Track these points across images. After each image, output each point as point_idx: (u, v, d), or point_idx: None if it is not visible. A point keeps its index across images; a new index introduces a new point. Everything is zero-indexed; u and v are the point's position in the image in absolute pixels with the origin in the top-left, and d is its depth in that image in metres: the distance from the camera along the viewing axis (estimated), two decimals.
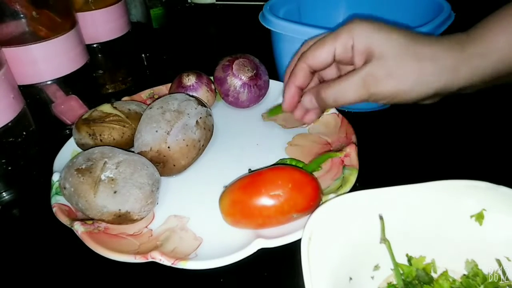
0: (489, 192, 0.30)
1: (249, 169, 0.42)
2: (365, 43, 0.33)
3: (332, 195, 0.36)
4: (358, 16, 0.35)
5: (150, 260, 0.32)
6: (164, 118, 0.41)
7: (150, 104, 0.45)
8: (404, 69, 0.32)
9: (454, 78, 0.32)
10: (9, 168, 0.42)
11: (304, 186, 0.34)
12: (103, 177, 0.35)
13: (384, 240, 0.30)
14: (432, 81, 0.32)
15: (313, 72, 0.38)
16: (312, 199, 0.34)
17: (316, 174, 0.41)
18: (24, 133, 0.43)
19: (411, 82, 0.32)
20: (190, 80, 0.50)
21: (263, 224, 0.34)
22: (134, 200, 0.35)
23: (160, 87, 0.56)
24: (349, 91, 0.34)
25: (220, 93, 0.52)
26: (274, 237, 0.33)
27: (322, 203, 0.32)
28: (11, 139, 0.42)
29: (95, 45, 0.57)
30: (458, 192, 0.31)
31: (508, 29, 0.31)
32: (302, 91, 0.40)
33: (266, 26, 0.51)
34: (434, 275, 0.30)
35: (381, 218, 0.30)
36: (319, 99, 0.37)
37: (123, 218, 0.36)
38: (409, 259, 0.31)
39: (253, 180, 0.35)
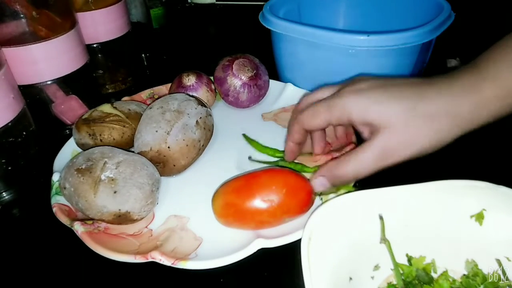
0: (489, 192, 0.30)
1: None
2: (363, 118, 0.31)
3: (332, 195, 0.36)
4: (357, 81, 0.33)
5: (150, 260, 0.32)
6: (164, 118, 0.41)
7: (150, 104, 0.45)
8: (418, 135, 0.30)
9: (473, 124, 0.30)
10: (9, 168, 0.42)
11: (298, 191, 0.34)
12: (103, 177, 0.35)
13: (384, 240, 0.30)
14: (448, 135, 0.30)
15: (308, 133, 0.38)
16: (305, 204, 0.34)
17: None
18: (24, 133, 0.43)
19: (428, 144, 0.31)
20: (190, 80, 0.50)
21: (255, 227, 0.34)
22: (134, 200, 0.35)
23: (160, 87, 0.56)
24: (367, 165, 0.32)
25: (220, 93, 0.52)
26: (274, 237, 0.33)
27: (322, 203, 0.32)
28: (11, 139, 0.42)
29: (95, 45, 0.57)
30: (458, 192, 0.31)
31: None
32: (300, 144, 0.39)
33: (266, 26, 0.51)
34: (434, 275, 0.30)
35: (381, 218, 0.30)
36: (335, 178, 0.34)
37: (123, 218, 0.36)
38: (409, 259, 0.31)
39: (248, 183, 0.35)
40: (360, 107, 0.31)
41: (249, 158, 0.44)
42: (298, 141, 0.38)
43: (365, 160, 0.32)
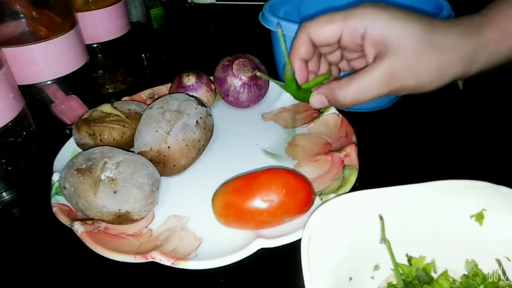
0: (489, 192, 0.30)
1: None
2: (380, 33, 0.31)
3: (332, 195, 0.36)
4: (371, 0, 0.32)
5: (150, 260, 0.32)
6: (164, 118, 0.41)
7: (150, 104, 0.45)
8: (425, 63, 0.30)
9: (472, 65, 0.31)
10: (9, 168, 0.42)
11: (298, 192, 0.34)
12: (103, 177, 0.35)
13: (384, 240, 0.30)
14: (451, 71, 0.31)
15: (315, 48, 0.35)
16: (305, 204, 0.34)
17: (316, 174, 0.42)
18: (24, 133, 0.43)
19: (431, 75, 0.31)
20: (190, 80, 0.50)
21: (255, 227, 0.34)
22: (134, 200, 0.35)
23: (160, 87, 0.56)
24: (369, 89, 0.32)
25: (220, 93, 0.52)
26: (274, 237, 0.33)
27: (322, 203, 0.32)
28: (11, 139, 0.42)
29: (95, 45, 0.57)
30: (458, 192, 0.31)
31: None
32: (307, 63, 0.36)
33: (266, 26, 0.51)
34: (434, 275, 0.30)
35: (381, 218, 0.30)
36: (333, 100, 0.34)
37: (123, 218, 0.36)
38: (409, 259, 0.31)
39: (247, 183, 0.35)
40: (380, 20, 0.31)
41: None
42: (305, 56, 0.35)
43: (369, 83, 0.31)
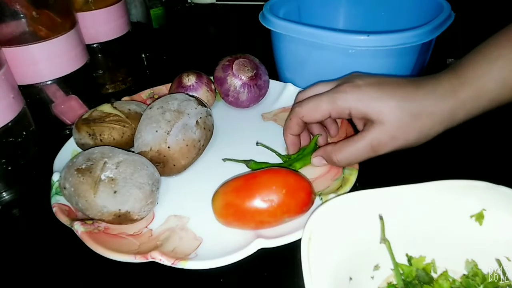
0: (489, 192, 0.30)
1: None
2: (364, 112, 0.36)
3: (332, 195, 0.36)
4: (353, 77, 0.38)
5: (150, 260, 0.32)
6: (164, 118, 0.41)
7: (150, 104, 0.45)
8: (405, 130, 0.35)
9: (452, 123, 0.35)
10: (9, 168, 0.42)
11: (298, 192, 0.34)
12: (103, 177, 0.35)
13: (384, 240, 0.30)
14: (432, 132, 0.35)
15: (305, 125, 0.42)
16: (305, 204, 0.34)
17: (316, 174, 0.41)
18: (24, 133, 0.43)
19: (413, 139, 0.35)
20: (190, 80, 0.50)
21: (255, 227, 0.34)
22: (134, 200, 0.35)
23: (160, 87, 0.56)
24: (359, 155, 0.37)
25: (220, 93, 0.52)
26: (274, 237, 0.33)
27: (322, 203, 0.32)
28: (11, 139, 0.42)
29: (95, 45, 0.57)
30: (458, 192, 0.31)
31: (494, 69, 0.33)
32: (299, 136, 0.43)
33: (266, 26, 0.51)
34: (434, 275, 0.30)
35: (381, 218, 0.30)
36: (330, 160, 0.39)
37: (123, 218, 0.36)
38: (409, 259, 0.31)
39: (247, 183, 0.35)
40: (360, 102, 0.36)
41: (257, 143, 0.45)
42: (297, 133, 0.42)
43: (358, 150, 0.37)
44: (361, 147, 0.36)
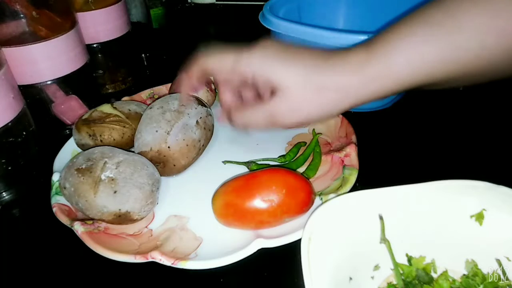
0: (489, 192, 0.30)
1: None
2: (265, 78, 0.33)
3: (332, 195, 0.36)
4: (265, 42, 0.35)
5: (150, 260, 0.32)
6: (164, 118, 0.41)
7: (150, 104, 0.45)
8: (306, 102, 0.33)
9: (357, 100, 0.32)
10: (9, 168, 0.42)
11: (298, 192, 0.34)
12: (103, 177, 0.35)
13: (384, 240, 0.30)
14: (334, 108, 0.33)
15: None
16: (305, 204, 0.34)
17: (316, 174, 0.42)
18: (24, 133, 0.43)
19: (313, 113, 0.33)
20: None
21: (255, 227, 0.34)
22: (134, 200, 0.35)
23: (160, 87, 0.56)
24: (256, 121, 0.35)
25: None
26: (274, 237, 0.33)
27: (322, 203, 0.32)
28: (11, 139, 0.42)
29: (95, 45, 0.57)
30: (458, 192, 0.31)
31: (406, 49, 0.30)
32: (192, 88, 0.42)
33: (266, 26, 0.51)
34: (434, 275, 0.30)
35: (381, 218, 0.30)
36: (231, 121, 0.38)
37: (123, 218, 0.36)
38: (409, 259, 0.31)
39: (247, 183, 0.35)
40: (264, 67, 0.33)
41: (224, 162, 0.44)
42: (195, 80, 0.39)
43: (256, 117, 0.35)
44: (259, 114, 0.35)
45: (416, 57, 0.29)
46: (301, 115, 0.33)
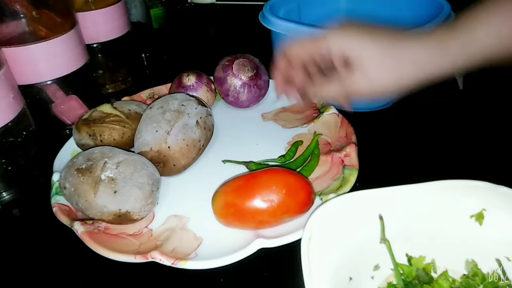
0: (489, 192, 0.30)
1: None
2: (342, 51, 0.35)
3: (332, 195, 0.36)
4: (345, 22, 0.36)
5: (150, 260, 0.32)
6: (164, 118, 0.41)
7: (150, 104, 0.45)
8: (383, 75, 0.34)
9: (434, 73, 0.33)
10: (9, 168, 0.42)
11: (298, 192, 0.34)
12: (103, 177, 0.35)
13: (384, 240, 0.30)
14: (411, 81, 0.34)
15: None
16: (305, 204, 0.34)
17: (316, 174, 0.42)
18: (24, 133, 0.43)
19: (389, 85, 0.34)
20: (190, 80, 0.50)
21: (255, 227, 0.34)
22: (134, 200, 0.35)
23: (160, 87, 0.56)
24: (334, 93, 0.37)
25: (220, 93, 0.52)
26: (274, 237, 0.33)
27: (322, 203, 0.32)
28: (11, 139, 0.42)
29: (95, 45, 0.57)
30: (458, 192, 0.31)
31: (488, 22, 0.32)
32: (285, 79, 0.43)
33: (266, 26, 0.51)
34: (434, 275, 0.30)
35: (381, 218, 0.30)
36: (309, 97, 0.40)
37: (123, 218, 0.36)
38: (409, 259, 0.31)
39: (247, 183, 0.35)
40: (341, 40, 0.35)
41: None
42: (284, 70, 0.41)
43: (333, 90, 0.37)
44: (337, 87, 0.37)
45: (505, 32, 0.31)
46: (377, 88, 0.35)
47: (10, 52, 0.44)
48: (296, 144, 0.45)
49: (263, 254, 0.33)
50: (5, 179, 0.43)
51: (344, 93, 0.36)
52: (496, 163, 0.44)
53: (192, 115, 0.42)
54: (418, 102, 0.53)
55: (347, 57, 0.35)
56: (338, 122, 0.47)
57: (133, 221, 0.37)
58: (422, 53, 0.33)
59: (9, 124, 0.41)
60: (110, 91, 0.61)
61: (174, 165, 0.41)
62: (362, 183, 0.39)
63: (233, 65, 0.50)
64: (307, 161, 0.43)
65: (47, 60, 0.46)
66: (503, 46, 0.32)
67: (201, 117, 0.43)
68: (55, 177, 0.40)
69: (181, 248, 0.34)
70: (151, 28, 0.80)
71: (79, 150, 0.44)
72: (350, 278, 0.29)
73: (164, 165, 0.41)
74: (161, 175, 0.40)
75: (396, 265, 0.30)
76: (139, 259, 0.32)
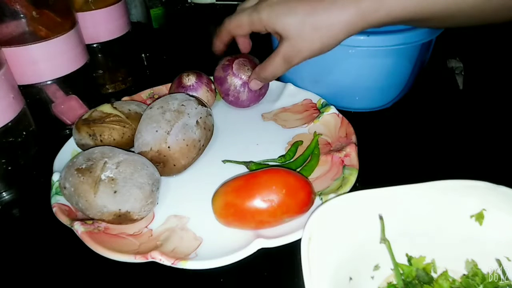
0: (489, 192, 0.30)
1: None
2: (273, 29, 0.41)
3: (332, 195, 0.36)
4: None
5: (150, 260, 0.32)
6: (164, 118, 0.41)
7: (150, 104, 0.45)
8: (308, 43, 0.40)
9: (354, 31, 0.39)
10: (9, 168, 0.42)
11: (298, 192, 0.34)
12: (103, 177, 0.35)
13: (384, 240, 0.30)
14: (334, 41, 0.39)
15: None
16: (305, 204, 0.34)
17: (316, 174, 0.42)
18: (24, 133, 0.43)
19: (317, 49, 0.40)
20: (190, 80, 0.50)
21: (255, 227, 0.34)
22: (134, 200, 0.36)
23: (160, 87, 0.56)
24: (278, 68, 0.44)
25: (220, 93, 0.52)
26: (274, 237, 0.33)
27: (322, 203, 0.32)
28: (11, 139, 0.42)
29: (95, 45, 0.57)
30: (458, 192, 0.31)
31: None
32: (225, 45, 0.49)
33: None
34: (434, 275, 0.30)
35: (381, 218, 0.30)
36: (262, 78, 0.47)
37: (123, 218, 0.36)
38: (409, 259, 0.31)
39: (247, 183, 0.35)
40: (271, 19, 0.41)
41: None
42: (226, 42, 0.49)
43: (276, 65, 0.43)
44: (277, 62, 0.43)
45: None
46: (306, 54, 0.41)
47: (10, 52, 0.44)
48: (296, 144, 0.45)
49: (263, 254, 0.33)
50: (5, 179, 0.43)
51: (286, 63, 0.42)
52: (496, 163, 0.44)
53: (192, 115, 0.42)
54: (418, 102, 0.53)
55: (279, 33, 0.41)
56: (338, 122, 0.47)
57: (133, 221, 0.37)
58: (335, 17, 0.38)
59: (9, 124, 0.41)
60: (110, 91, 0.61)
61: (174, 165, 0.41)
62: (362, 183, 0.39)
63: (233, 65, 0.50)
64: (307, 161, 0.43)
65: (47, 60, 0.46)
66: (414, 7, 0.35)
67: (201, 117, 0.43)
68: (55, 177, 0.40)
69: (181, 248, 0.34)
70: (151, 28, 0.80)
71: (79, 150, 0.44)
72: (350, 278, 0.29)
73: (164, 165, 0.41)
74: (161, 175, 0.40)
75: (396, 265, 0.30)
76: (139, 259, 0.32)
